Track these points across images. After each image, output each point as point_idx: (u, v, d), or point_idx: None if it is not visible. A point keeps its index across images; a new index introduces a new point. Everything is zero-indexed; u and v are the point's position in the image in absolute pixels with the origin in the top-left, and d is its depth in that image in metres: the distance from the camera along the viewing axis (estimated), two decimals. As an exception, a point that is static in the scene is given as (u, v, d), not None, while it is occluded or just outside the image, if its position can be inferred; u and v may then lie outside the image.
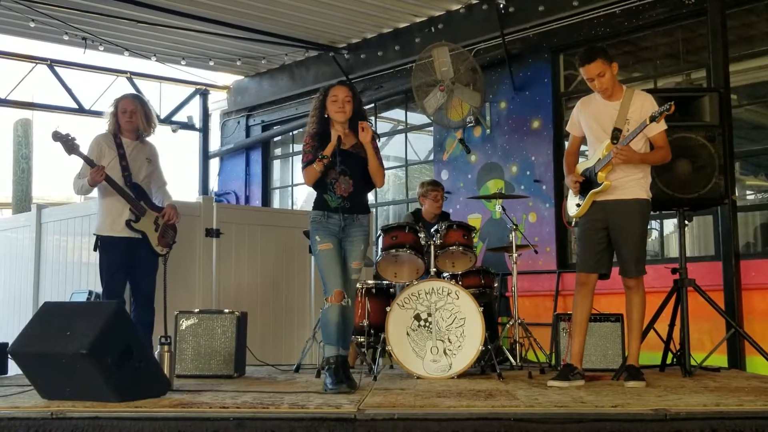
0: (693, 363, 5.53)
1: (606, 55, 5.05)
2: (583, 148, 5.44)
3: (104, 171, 5.55)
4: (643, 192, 5.08)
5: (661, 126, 5.00)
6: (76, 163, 5.82)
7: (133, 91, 11.03)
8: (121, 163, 5.74)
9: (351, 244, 4.95)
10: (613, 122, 5.02)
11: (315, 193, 5.04)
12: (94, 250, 5.76)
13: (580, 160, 5.35)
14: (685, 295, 5.66)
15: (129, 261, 5.74)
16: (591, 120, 5.17)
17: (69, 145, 5.55)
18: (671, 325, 5.78)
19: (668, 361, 5.83)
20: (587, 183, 5.15)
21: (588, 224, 5.15)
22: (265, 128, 12.19)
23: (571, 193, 5.30)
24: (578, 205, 5.19)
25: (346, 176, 4.88)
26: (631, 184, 5.04)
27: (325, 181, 4.90)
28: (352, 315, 5.08)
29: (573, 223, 5.33)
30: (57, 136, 5.53)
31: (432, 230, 6.16)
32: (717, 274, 6.68)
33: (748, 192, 8.23)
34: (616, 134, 4.98)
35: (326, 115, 4.98)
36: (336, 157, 4.81)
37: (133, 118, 5.84)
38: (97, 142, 5.77)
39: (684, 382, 5.05)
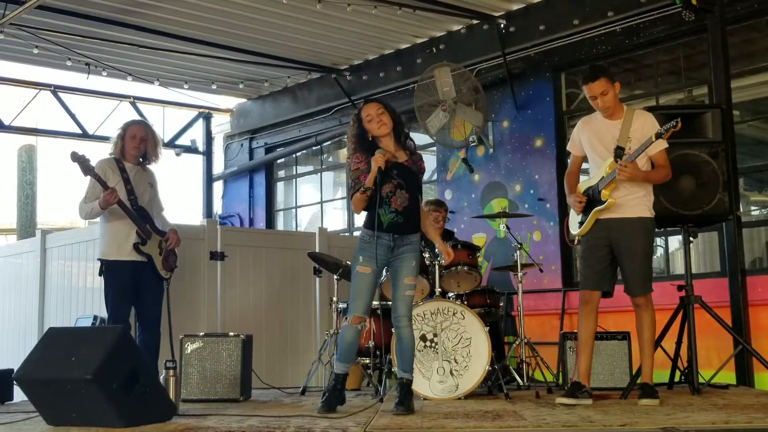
0: (701, 380, 5.49)
1: (609, 74, 5.09)
2: (584, 166, 5.45)
3: (117, 193, 5.58)
4: (646, 210, 5.08)
5: (662, 144, 5.03)
6: (80, 188, 5.86)
7: (137, 116, 11.16)
8: (127, 187, 5.78)
9: (401, 261, 4.81)
10: (615, 141, 5.05)
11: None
12: (100, 275, 5.77)
13: (582, 178, 5.36)
14: (692, 312, 5.64)
15: (135, 285, 5.75)
16: (593, 139, 5.18)
17: (85, 166, 5.62)
18: (678, 343, 5.76)
19: (676, 378, 5.80)
20: (590, 201, 5.15)
21: (591, 242, 5.15)
22: (268, 150, 12.20)
23: (573, 211, 5.31)
24: (581, 223, 5.19)
25: (402, 190, 4.77)
26: (635, 203, 5.04)
27: (380, 194, 4.72)
28: (409, 338, 4.86)
29: (576, 241, 5.33)
30: (75, 157, 5.60)
31: (436, 250, 6.14)
32: (723, 291, 6.65)
33: (752, 208, 8.21)
34: (619, 152, 5.00)
35: (370, 138, 4.88)
36: (378, 191, 4.70)
37: (141, 145, 5.92)
38: (101, 166, 5.80)
39: (692, 400, 5.03)
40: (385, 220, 4.74)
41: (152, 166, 6.10)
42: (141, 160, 5.99)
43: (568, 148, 5.45)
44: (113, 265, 5.72)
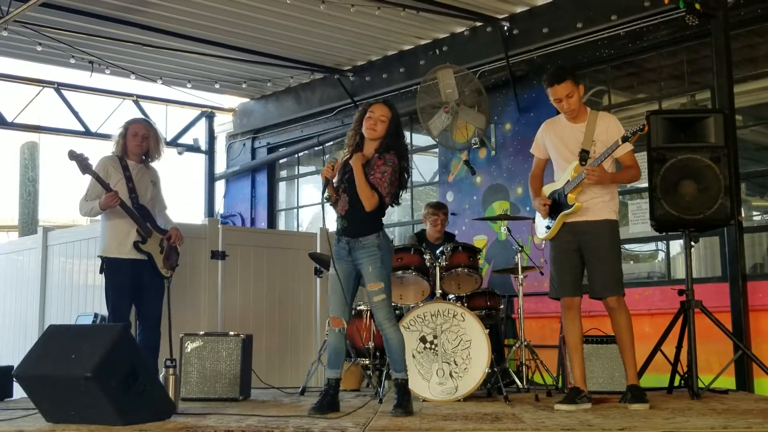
0: (700, 385, 5.49)
1: (575, 77, 5.07)
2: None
3: (119, 197, 5.59)
4: (612, 213, 5.10)
5: (628, 147, 5.02)
6: (82, 186, 5.86)
7: (140, 115, 11.17)
8: (128, 185, 5.78)
9: (361, 267, 4.84)
10: (579, 144, 5.04)
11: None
12: (101, 272, 5.78)
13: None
14: (692, 316, 5.63)
15: (135, 283, 5.76)
16: (557, 141, 5.18)
17: (83, 164, 5.61)
18: (678, 347, 5.75)
19: (676, 383, 5.79)
20: (555, 205, 5.16)
21: (561, 246, 5.14)
22: (270, 150, 12.21)
23: (539, 215, 5.30)
24: (548, 228, 5.19)
25: (345, 194, 4.84)
26: (600, 206, 5.06)
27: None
28: (394, 339, 4.86)
29: (543, 245, 5.33)
30: (73, 155, 5.59)
31: (437, 252, 6.15)
32: (724, 296, 6.65)
33: (754, 213, 8.20)
34: (584, 156, 5.00)
35: (363, 131, 4.92)
36: (333, 190, 4.85)
37: (143, 143, 5.93)
38: (103, 164, 5.80)
39: (692, 405, 5.02)
40: (338, 226, 4.91)
41: (155, 164, 6.10)
42: (144, 158, 5.99)
43: (532, 150, 5.43)
44: (113, 262, 5.73)
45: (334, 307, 4.89)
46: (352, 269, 4.88)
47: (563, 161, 5.16)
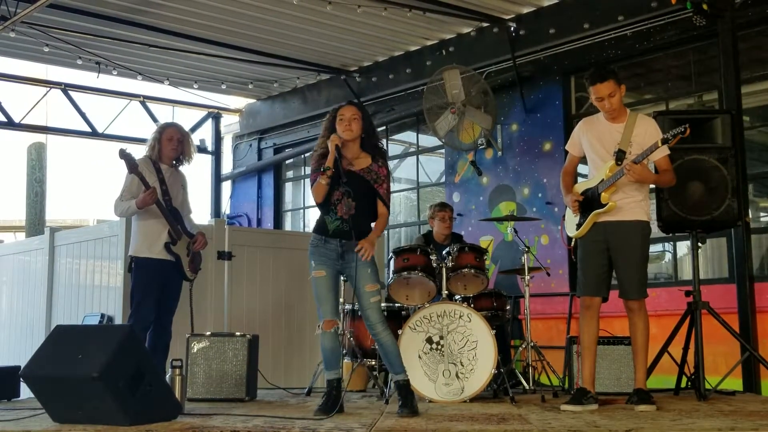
0: (707, 387, 5.47)
1: (617, 77, 5.06)
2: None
3: (157, 194, 5.63)
4: (643, 214, 5.06)
5: (665, 150, 5.01)
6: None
7: (147, 116, 11.23)
8: (162, 188, 5.83)
9: (357, 269, 4.76)
10: (615, 144, 5.02)
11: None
12: (129, 271, 5.82)
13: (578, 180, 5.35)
14: (699, 317, 5.62)
15: (161, 284, 5.79)
16: (594, 140, 5.16)
17: (131, 164, 5.67)
18: (685, 349, 5.74)
19: (682, 384, 5.78)
20: (587, 203, 5.13)
21: (589, 246, 5.12)
22: (277, 151, 12.23)
23: (569, 212, 5.29)
24: (578, 225, 5.17)
25: (349, 198, 4.74)
26: (632, 206, 5.03)
27: (329, 200, 4.79)
28: (389, 341, 4.84)
29: (572, 242, 5.31)
30: (123, 154, 5.64)
31: (444, 252, 6.15)
32: (731, 297, 6.63)
33: (761, 214, 8.19)
34: (620, 156, 4.98)
35: (339, 135, 4.87)
36: (339, 170, 4.71)
37: (179, 147, 5.99)
38: (140, 166, 5.83)
39: (698, 406, 5.01)
40: (330, 227, 4.79)
41: (183, 168, 6.16)
42: (174, 162, 6.05)
43: (567, 147, 5.42)
44: (143, 262, 5.76)
45: (326, 311, 4.80)
46: (337, 272, 4.86)
47: (599, 160, 5.13)
